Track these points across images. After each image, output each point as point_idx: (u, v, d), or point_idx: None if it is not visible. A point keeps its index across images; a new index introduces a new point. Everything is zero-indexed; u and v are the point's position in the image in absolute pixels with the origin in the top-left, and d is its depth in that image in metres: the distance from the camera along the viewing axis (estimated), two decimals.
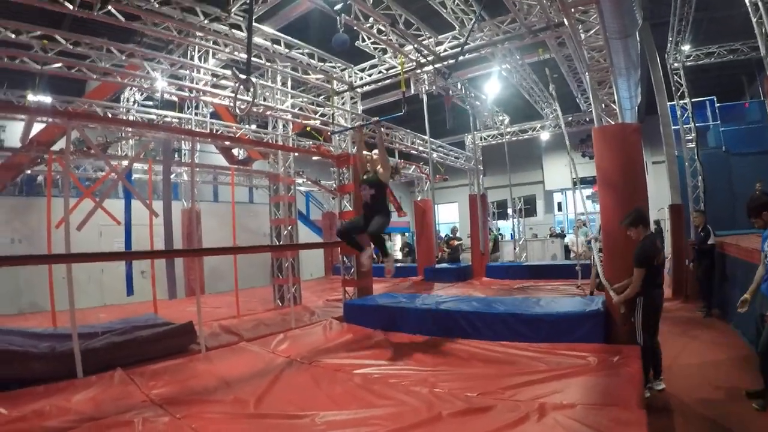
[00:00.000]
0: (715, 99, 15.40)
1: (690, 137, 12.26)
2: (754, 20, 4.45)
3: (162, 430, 3.71)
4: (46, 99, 9.95)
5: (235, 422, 3.85)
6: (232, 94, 7.83)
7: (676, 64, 12.49)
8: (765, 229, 4.57)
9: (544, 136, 16.55)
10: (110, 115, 10.33)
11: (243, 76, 5.03)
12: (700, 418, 4.29)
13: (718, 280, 8.62)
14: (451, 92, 12.03)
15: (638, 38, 8.55)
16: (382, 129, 7.63)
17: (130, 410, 4.10)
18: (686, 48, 12.46)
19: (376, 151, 6.00)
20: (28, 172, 11.02)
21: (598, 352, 5.01)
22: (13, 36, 6.37)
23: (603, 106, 6.76)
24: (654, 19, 11.56)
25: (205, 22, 6.81)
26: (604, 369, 4.55)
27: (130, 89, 11.48)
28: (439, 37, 8.55)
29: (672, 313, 8.82)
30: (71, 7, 5.72)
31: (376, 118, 6.38)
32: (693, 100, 12.56)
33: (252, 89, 5.04)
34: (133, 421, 3.82)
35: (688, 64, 12.73)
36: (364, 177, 5.88)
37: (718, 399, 4.71)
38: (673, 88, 12.48)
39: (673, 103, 12.21)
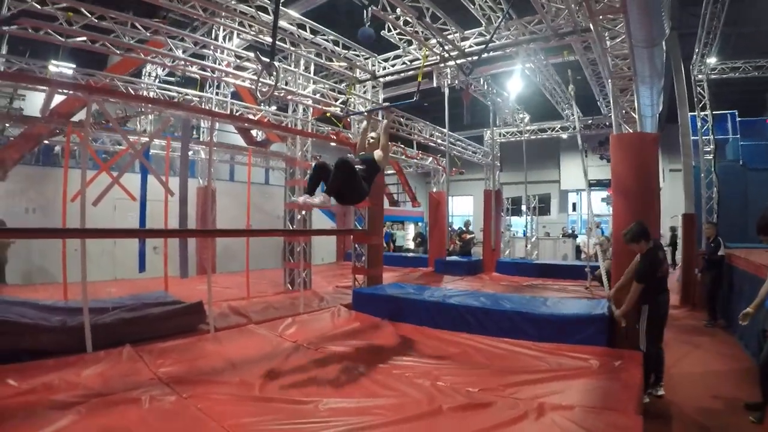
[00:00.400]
0: (737, 113, 15.30)
1: (708, 149, 12.21)
2: None
3: (168, 409, 3.76)
4: (68, 68, 10.05)
5: (240, 404, 3.90)
6: (254, 77, 7.85)
7: (700, 76, 12.42)
8: None
9: (563, 136, 16.51)
10: (131, 90, 10.40)
11: (266, 60, 5.03)
12: (697, 427, 4.34)
13: (725, 291, 8.65)
14: (472, 87, 12.01)
15: (664, 47, 8.51)
16: (392, 115, 7.57)
17: (138, 387, 4.15)
18: (712, 61, 12.37)
19: (373, 134, 5.75)
20: (46, 142, 11.07)
21: (600, 355, 5.05)
22: (39, 6, 6.32)
23: (623, 112, 6.74)
24: (682, 29, 11.46)
25: (232, 2, 6.83)
26: (604, 373, 4.58)
27: (152, 65, 11.54)
28: (466, 32, 8.56)
29: (678, 320, 8.85)
30: None
31: (387, 104, 6.35)
32: (714, 112, 12.48)
33: (275, 74, 5.04)
34: (141, 398, 3.87)
35: (713, 76, 12.63)
36: (362, 156, 5.43)
37: (716, 409, 4.75)
38: (696, 100, 12.40)
39: (694, 113, 12.17)
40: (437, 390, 4.19)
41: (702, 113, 12.42)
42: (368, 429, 3.42)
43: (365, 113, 6.48)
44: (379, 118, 6.26)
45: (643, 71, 8.43)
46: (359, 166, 5.09)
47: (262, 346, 5.65)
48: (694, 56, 12.12)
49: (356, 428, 3.42)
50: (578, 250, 17.51)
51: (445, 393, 4.11)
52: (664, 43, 8.00)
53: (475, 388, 4.24)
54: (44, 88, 8.64)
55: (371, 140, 5.62)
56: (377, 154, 5.33)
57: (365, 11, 5.36)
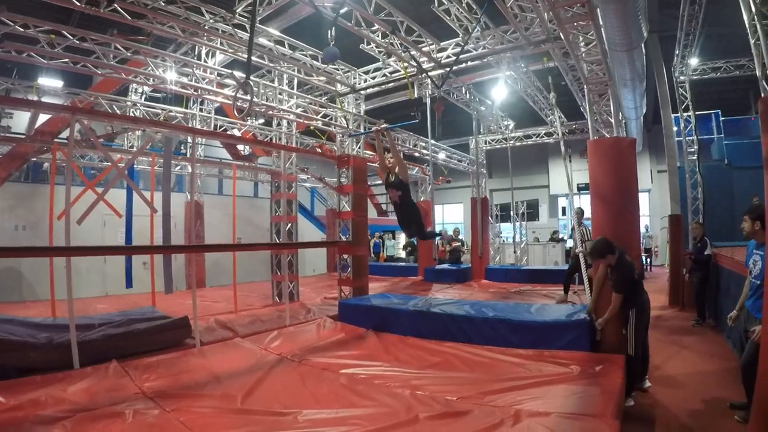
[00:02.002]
0: (720, 113, 15.45)
1: (692, 149, 12.32)
2: (752, 42, 4.51)
3: (151, 422, 3.81)
4: (56, 83, 10.12)
5: (222, 417, 3.95)
6: (232, 93, 7.97)
7: (682, 77, 12.52)
8: (748, 240, 4.64)
9: (549, 141, 16.58)
10: (116, 108, 10.45)
11: (242, 78, 5.13)
12: (681, 429, 4.36)
13: (713, 291, 8.74)
14: (454, 96, 12.11)
15: (643, 50, 8.62)
16: (391, 133, 7.86)
17: (123, 402, 4.21)
18: (693, 62, 12.47)
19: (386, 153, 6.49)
20: (34, 159, 11.13)
21: (582, 360, 5.08)
22: (22, 30, 6.43)
23: (603, 116, 6.83)
24: (664, 32, 11.60)
25: (210, 22, 6.92)
26: (584, 378, 4.62)
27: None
28: (442, 43, 8.63)
29: (666, 321, 8.92)
30: (78, 3, 5.83)
31: (384, 125, 6.69)
32: (698, 113, 12.61)
33: (251, 92, 5.13)
34: (125, 412, 3.93)
35: (694, 77, 12.75)
36: (390, 181, 6.34)
37: (702, 410, 4.77)
38: (678, 101, 12.52)
39: (677, 114, 12.30)
40: (416, 399, 4.23)
41: (685, 114, 12.51)
42: None
43: (374, 132, 6.85)
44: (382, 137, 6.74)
45: (623, 74, 8.56)
46: (398, 193, 6.31)
47: (246, 360, 5.69)
48: (675, 58, 12.24)
49: None
50: (568, 253, 17.59)
51: (424, 402, 4.15)
52: (643, 46, 8.14)
53: (453, 397, 4.28)
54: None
55: (387, 155, 6.51)
56: (401, 175, 6.32)
57: (329, 31, 5.47)
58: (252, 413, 4.02)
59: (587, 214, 7.02)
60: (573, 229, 9.91)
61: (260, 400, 4.35)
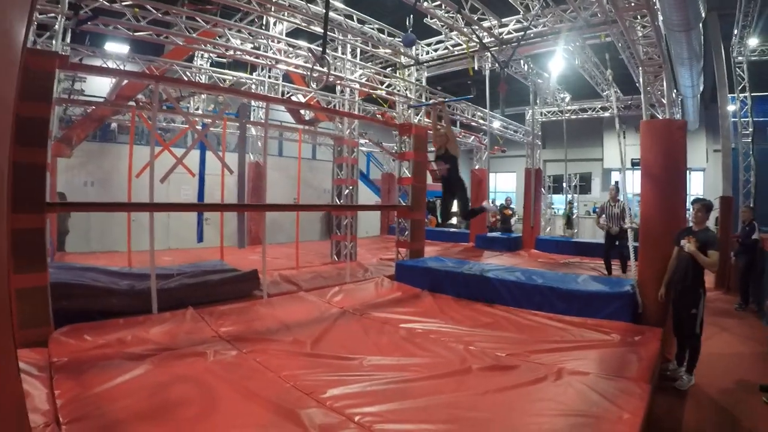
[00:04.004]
0: None
1: (747, 131, 12.00)
2: None
3: (231, 362, 4.26)
4: (122, 49, 10.67)
5: (294, 359, 4.39)
6: (306, 64, 8.36)
7: (740, 58, 12.12)
8: None
9: (604, 115, 16.44)
10: (188, 73, 11.02)
11: (319, 53, 5.48)
12: (710, 404, 4.58)
13: (758, 275, 8.65)
14: (512, 68, 12.17)
15: (701, 30, 8.54)
16: (448, 108, 8.15)
17: (202, 343, 4.68)
18: (752, 42, 12.05)
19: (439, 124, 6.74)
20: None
21: (623, 330, 5.35)
22: (108, 4, 6.80)
23: (657, 96, 6.89)
24: (723, 9, 11.30)
25: None
26: (623, 346, 4.89)
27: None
28: (504, 20, 8.78)
29: (710, 303, 8.81)
30: None
31: (442, 99, 6.92)
32: (755, 94, 12.23)
33: (327, 65, 5.49)
34: (206, 352, 4.38)
35: (753, 58, 12.35)
36: (440, 153, 6.57)
37: (732, 388, 4.94)
38: (735, 81, 12.14)
39: (734, 95, 11.99)
40: (469, 353, 4.62)
41: (741, 95, 12.12)
42: (406, 382, 3.88)
43: (436, 105, 7.14)
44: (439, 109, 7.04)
45: (680, 53, 8.52)
46: (446, 167, 6.51)
47: (311, 311, 6.19)
48: (733, 38, 11.87)
49: (395, 381, 3.88)
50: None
51: (476, 356, 4.54)
52: (700, 26, 8.08)
53: (503, 353, 4.66)
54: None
55: (439, 128, 6.77)
56: (451, 148, 6.53)
57: (407, 20, 5.75)
58: (321, 356, 4.48)
59: (636, 190, 7.07)
60: (605, 206, 9.90)
61: (328, 346, 4.81)
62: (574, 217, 18.66)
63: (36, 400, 3.24)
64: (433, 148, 7.34)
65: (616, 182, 9.14)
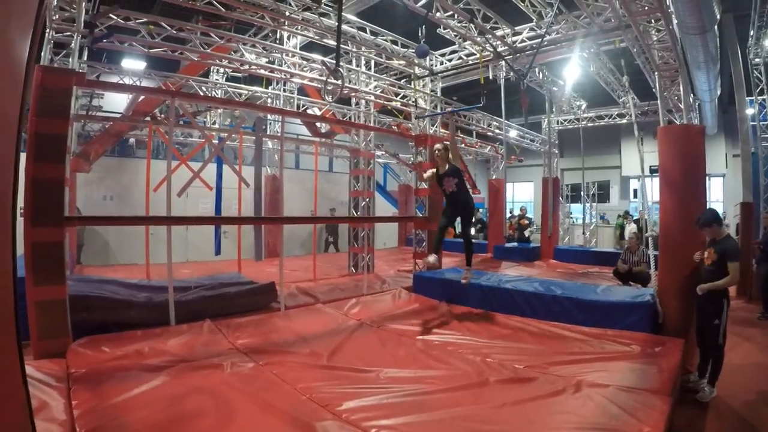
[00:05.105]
0: None
1: (767, 135, 11.75)
2: None
3: (247, 374, 4.27)
4: (139, 65, 10.86)
5: (311, 371, 4.38)
6: (321, 77, 8.42)
7: (757, 60, 11.91)
8: None
9: (621, 122, 16.25)
10: (204, 88, 11.15)
11: (332, 66, 5.53)
12: (732, 416, 4.48)
13: None
14: (528, 79, 12.16)
15: (716, 31, 8.45)
16: (456, 118, 8.11)
17: (219, 355, 4.70)
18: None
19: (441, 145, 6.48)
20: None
21: (643, 341, 5.25)
22: (123, 22, 6.93)
23: (674, 101, 6.82)
24: (738, 11, 11.16)
25: (296, 10, 7.36)
26: (644, 357, 4.80)
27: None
28: (516, 27, 8.78)
29: (732, 312, 8.60)
30: None
31: (450, 109, 6.86)
32: None
33: (341, 78, 5.53)
34: (222, 364, 4.40)
35: None
36: (445, 169, 6.26)
37: (755, 400, 4.84)
38: (753, 84, 11.95)
39: (752, 98, 11.79)
40: (486, 365, 4.58)
41: (759, 98, 11.92)
42: (422, 395, 3.85)
43: (434, 115, 7.07)
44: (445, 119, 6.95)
45: (696, 57, 8.45)
46: (454, 181, 6.22)
47: (328, 323, 6.19)
48: (750, 39, 11.65)
49: (412, 394, 3.86)
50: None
51: (493, 368, 4.50)
52: (716, 28, 7.99)
53: (521, 365, 4.62)
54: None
55: (438, 152, 6.41)
56: (453, 161, 6.25)
57: (419, 30, 5.77)
58: (338, 369, 4.47)
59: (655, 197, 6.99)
60: (625, 255, 9.72)
61: (344, 358, 4.80)
62: (592, 226, 18.46)
63: (54, 411, 3.30)
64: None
65: (634, 233, 8.97)
